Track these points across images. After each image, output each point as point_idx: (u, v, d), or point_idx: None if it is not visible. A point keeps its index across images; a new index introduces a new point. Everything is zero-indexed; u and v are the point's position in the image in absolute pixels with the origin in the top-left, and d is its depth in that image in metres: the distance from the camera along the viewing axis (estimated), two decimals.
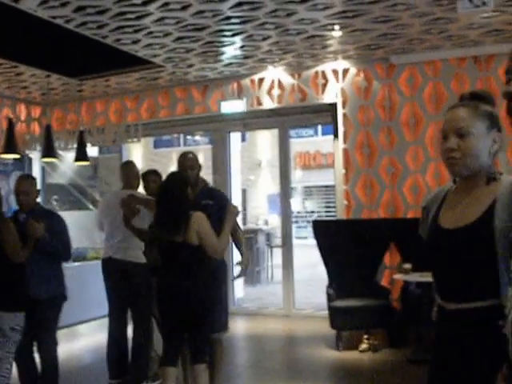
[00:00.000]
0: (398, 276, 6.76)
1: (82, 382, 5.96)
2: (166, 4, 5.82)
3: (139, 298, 5.57)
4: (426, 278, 5.48)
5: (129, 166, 6.13)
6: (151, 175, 5.96)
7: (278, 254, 10.30)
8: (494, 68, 7.49)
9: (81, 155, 8.50)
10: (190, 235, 4.14)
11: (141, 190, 6.04)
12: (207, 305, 4.29)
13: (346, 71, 8.19)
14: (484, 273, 2.06)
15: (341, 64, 8.18)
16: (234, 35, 6.89)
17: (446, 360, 2.16)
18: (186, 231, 4.12)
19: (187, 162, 4.77)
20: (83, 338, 7.89)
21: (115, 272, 5.67)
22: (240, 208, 9.87)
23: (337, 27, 6.65)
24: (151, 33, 6.69)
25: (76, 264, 8.22)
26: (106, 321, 5.95)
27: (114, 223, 5.66)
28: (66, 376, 5.99)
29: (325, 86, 8.30)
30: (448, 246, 2.17)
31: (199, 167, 4.87)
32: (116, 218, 5.59)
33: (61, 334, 7.61)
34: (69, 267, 8.04)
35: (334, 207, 8.75)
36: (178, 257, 4.17)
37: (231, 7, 5.94)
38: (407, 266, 6.39)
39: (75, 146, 8.66)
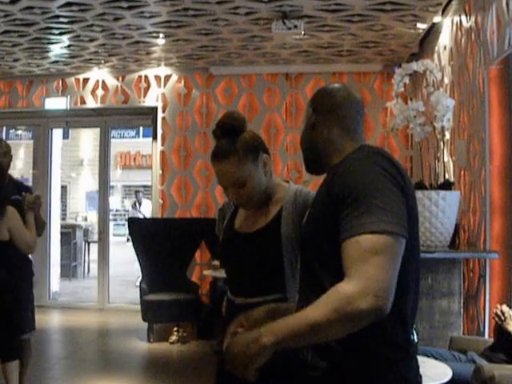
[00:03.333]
0: (207, 272, 6.83)
1: None
2: None
3: None
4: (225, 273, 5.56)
5: None
6: None
7: (95, 249, 9.96)
8: (302, 85, 7.85)
9: None
10: (1, 230, 3.80)
11: None
12: (17, 302, 3.96)
13: (167, 77, 8.12)
14: (271, 271, 2.15)
15: (163, 70, 8.10)
16: (61, 34, 6.52)
17: None
18: None
19: (0, 148, 4.32)
20: None
21: None
22: (59, 204, 9.41)
23: (161, 35, 6.56)
24: None
25: None
26: None
27: None
28: None
29: (147, 90, 8.17)
30: (240, 247, 2.24)
31: (11, 157, 4.45)
32: None
33: None
34: None
35: (152, 206, 8.63)
36: None
37: (60, 6, 5.60)
38: (216, 262, 6.46)
39: None
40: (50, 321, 7.91)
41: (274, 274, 2.13)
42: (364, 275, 1.38)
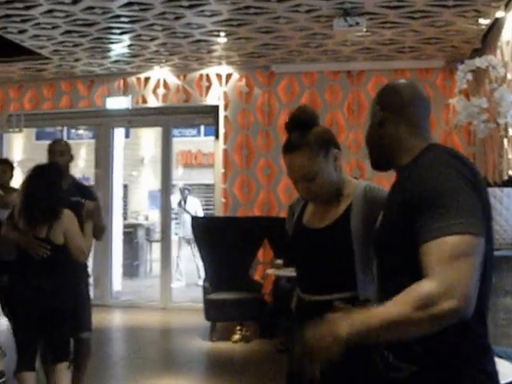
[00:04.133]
0: (270, 271, 6.93)
1: None
2: None
3: None
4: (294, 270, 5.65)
5: None
6: (2, 165, 5.63)
7: (157, 248, 10.24)
8: (364, 82, 7.89)
9: None
10: (56, 233, 3.75)
11: None
12: (71, 305, 3.91)
13: (229, 76, 8.29)
14: (341, 268, 2.18)
15: (224, 69, 8.28)
16: (122, 33, 6.78)
17: None
18: (51, 228, 3.73)
19: (58, 147, 4.40)
20: None
21: None
22: (121, 203, 9.71)
23: (222, 34, 6.74)
24: (39, 24, 6.44)
25: None
26: None
27: None
28: None
29: (208, 88, 8.37)
30: (310, 243, 2.28)
31: (71, 157, 4.48)
32: None
33: None
34: None
35: (213, 205, 8.82)
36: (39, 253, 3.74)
37: (121, 6, 5.85)
38: (279, 261, 6.58)
39: None
40: (112, 320, 8.19)
41: (344, 271, 2.16)
42: (449, 277, 1.39)
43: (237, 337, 6.64)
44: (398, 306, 1.43)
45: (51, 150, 4.41)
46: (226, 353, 6.29)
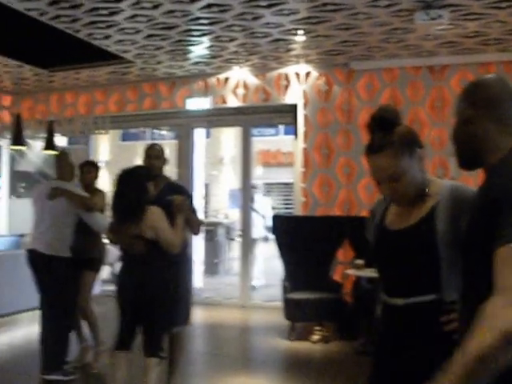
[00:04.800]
0: (350, 271, 6.82)
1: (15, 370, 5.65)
2: (138, 2, 5.78)
3: (59, 289, 5.23)
4: (377, 273, 5.54)
5: (62, 156, 5.68)
6: (87, 166, 5.79)
7: (237, 246, 10.30)
8: (447, 78, 7.64)
9: (49, 144, 8.38)
10: (145, 229, 4.04)
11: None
12: (164, 299, 4.13)
13: (307, 74, 8.24)
14: (425, 269, 2.10)
15: (303, 67, 8.23)
16: (202, 35, 6.86)
17: (390, 353, 2.19)
18: (140, 225, 4.03)
19: (154, 151, 4.64)
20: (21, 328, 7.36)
21: (38, 264, 5.26)
22: (202, 201, 9.85)
23: (300, 32, 6.69)
24: (123, 29, 6.62)
25: None
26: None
27: (40, 214, 5.34)
28: (26, 360, 5.82)
29: (287, 87, 8.34)
30: (393, 245, 2.21)
31: (164, 160, 4.72)
32: (42, 209, 5.33)
33: (24, 318, 7.45)
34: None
35: (293, 204, 8.78)
36: (133, 248, 4.09)
37: (200, 8, 5.92)
38: (359, 261, 6.45)
39: (44, 135, 8.53)
40: (193, 316, 8.28)
41: (428, 273, 2.09)
42: None
43: (316, 337, 6.59)
44: (483, 336, 1.34)
45: (148, 154, 4.63)
46: (305, 353, 6.24)
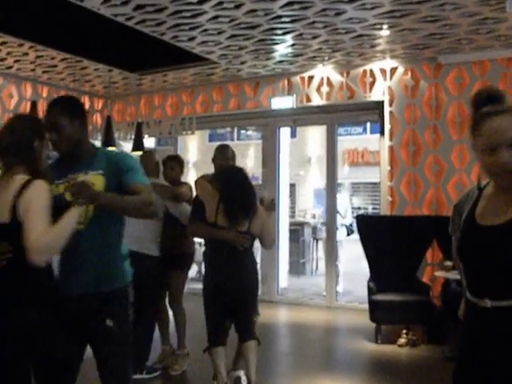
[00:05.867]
0: (439, 273, 6.56)
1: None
2: (220, 3, 5.77)
3: (144, 288, 5.28)
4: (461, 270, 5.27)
5: (147, 155, 5.86)
6: (170, 161, 5.74)
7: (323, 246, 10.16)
8: None
9: (138, 145, 8.59)
10: (256, 226, 4.30)
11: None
12: (257, 287, 4.51)
13: (393, 70, 7.97)
14: None
15: (388, 63, 7.96)
16: (284, 34, 6.78)
17: (476, 357, 2.03)
18: (251, 222, 4.29)
19: (229, 152, 4.79)
20: None
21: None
22: (288, 202, 9.82)
23: (385, 26, 6.47)
24: (206, 30, 6.64)
25: None
26: None
27: None
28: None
29: (372, 84, 8.11)
30: (483, 242, 2.03)
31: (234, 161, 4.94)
32: None
33: None
34: None
35: (379, 203, 8.55)
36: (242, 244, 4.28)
37: (282, 6, 5.84)
38: (448, 263, 6.17)
39: (133, 136, 8.74)
40: (277, 316, 8.26)
41: None
42: None
43: (403, 340, 6.36)
44: None
45: (225, 156, 4.75)
46: (391, 357, 6.04)
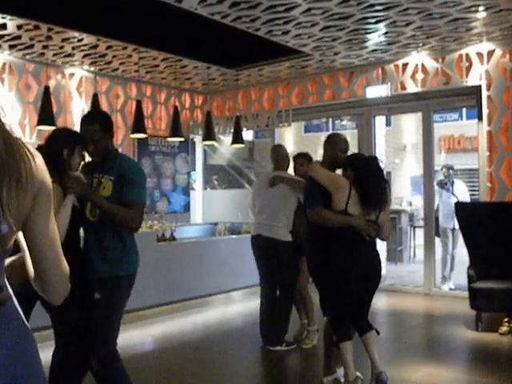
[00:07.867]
0: None
1: (234, 343, 6.09)
2: None
3: (284, 271, 5.65)
4: None
5: (278, 148, 6.14)
6: (300, 158, 5.92)
7: (420, 234, 9.86)
8: None
9: (237, 138, 8.73)
10: (383, 217, 4.23)
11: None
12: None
13: (490, 53, 7.58)
14: None
15: (485, 46, 7.58)
16: (377, 22, 6.62)
17: None
18: (380, 213, 4.20)
19: (346, 144, 4.56)
20: (236, 304, 8.07)
21: (263, 248, 5.73)
22: None
23: (481, 8, 6.16)
24: (300, 23, 6.61)
25: (233, 237, 8.46)
26: (257, 289, 6.19)
27: (263, 202, 5.76)
28: (220, 339, 6.20)
29: (469, 68, 7.76)
30: None
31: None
32: (265, 197, 5.73)
33: (217, 300, 7.95)
34: (226, 239, 8.35)
35: (478, 190, 8.19)
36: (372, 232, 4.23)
37: None
38: None
39: (232, 130, 8.87)
40: (376, 303, 8.09)
41: None
42: None
43: (504, 329, 6.06)
44: None
45: (343, 147, 4.55)
46: (492, 345, 5.77)
